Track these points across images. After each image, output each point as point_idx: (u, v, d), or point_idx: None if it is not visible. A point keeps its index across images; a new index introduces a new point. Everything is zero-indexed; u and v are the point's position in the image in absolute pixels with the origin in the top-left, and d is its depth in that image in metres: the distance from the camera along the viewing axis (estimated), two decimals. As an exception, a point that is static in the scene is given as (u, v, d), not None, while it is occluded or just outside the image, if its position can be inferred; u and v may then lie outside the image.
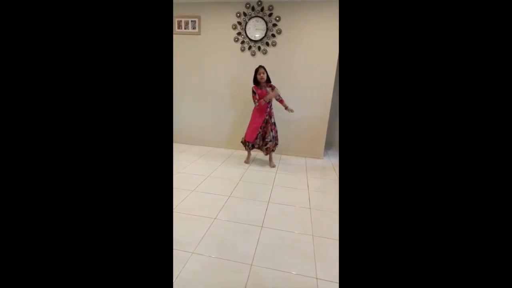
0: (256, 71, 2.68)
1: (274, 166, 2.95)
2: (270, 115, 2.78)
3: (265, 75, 2.65)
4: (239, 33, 3.13)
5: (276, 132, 2.88)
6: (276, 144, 2.89)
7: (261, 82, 2.67)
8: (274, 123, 2.86)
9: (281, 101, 2.81)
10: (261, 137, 2.83)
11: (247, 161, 3.02)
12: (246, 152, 3.11)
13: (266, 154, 2.93)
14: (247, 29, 3.08)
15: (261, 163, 3.05)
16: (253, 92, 2.70)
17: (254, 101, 2.72)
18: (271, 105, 2.76)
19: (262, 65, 2.71)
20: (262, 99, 2.66)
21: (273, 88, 2.70)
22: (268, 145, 2.82)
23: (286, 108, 2.81)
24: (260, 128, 2.78)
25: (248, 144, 2.89)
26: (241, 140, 2.98)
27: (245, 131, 2.92)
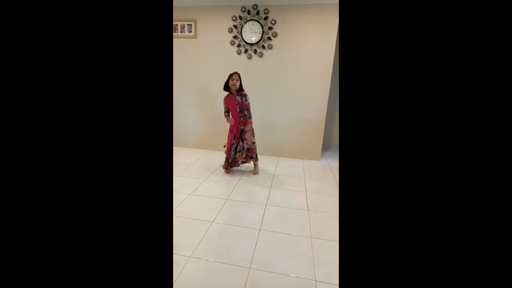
0: (230, 76, 2.48)
1: (256, 173, 2.74)
2: (245, 123, 2.59)
3: (239, 82, 2.47)
4: (235, 37, 3.15)
5: (253, 144, 2.65)
6: (249, 156, 2.67)
7: (232, 90, 2.50)
8: (250, 134, 2.63)
9: (248, 122, 2.60)
10: (234, 149, 2.65)
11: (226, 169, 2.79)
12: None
13: (236, 166, 2.75)
14: (243, 33, 3.10)
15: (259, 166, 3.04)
16: (224, 105, 2.60)
17: (224, 114, 2.63)
18: (244, 114, 2.57)
19: (237, 71, 2.53)
20: (228, 119, 2.60)
21: (242, 96, 2.50)
22: (237, 156, 2.64)
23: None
24: (234, 139, 2.62)
25: (227, 158, 2.70)
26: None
27: None
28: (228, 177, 2.64)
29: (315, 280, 1.30)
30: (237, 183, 2.50)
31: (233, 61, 3.22)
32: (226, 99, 2.59)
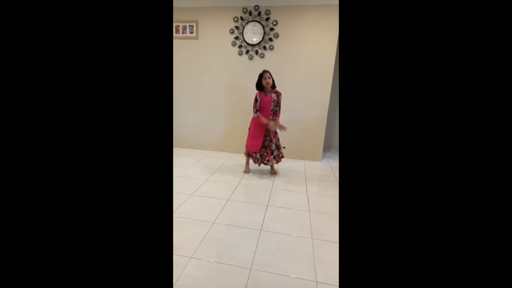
0: (261, 75, 2.48)
1: (275, 174, 2.78)
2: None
3: (271, 80, 2.49)
4: (236, 37, 3.15)
5: (278, 140, 2.69)
6: (282, 155, 2.69)
7: (267, 88, 2.50)
8: (276, 132, 2.67)
9: (277, 115, 2.62)
10: (264, 147, 2.64)
11: (246, 170, 2.82)
12: (244, 157, 2.96)
13: (272, 165, 2.74)
14: (244, 33, 3.10)
15: (260, 166, 3.04)
16: (255, 100, 2.51)
17: (253, 109, 2.53)
18: (274, 112, 2.59)
19: (267, 70, 2.53)
20: (260, 119, 2.50)
21: (278, 94, 2.54)
22: (274, 154, 2.64)
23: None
24: (264, 136, 2.61)
25: (255, 154, 2.67)
26: (244, 152, 2.80)
27: (243, 137, 2.79)
28: (229, 178, 2.64)
29: (316, 281, 1.30)
30: (238, 184, 2.50)
31: (235, 62, 3.23)
32: (261, 96, 2.51)
